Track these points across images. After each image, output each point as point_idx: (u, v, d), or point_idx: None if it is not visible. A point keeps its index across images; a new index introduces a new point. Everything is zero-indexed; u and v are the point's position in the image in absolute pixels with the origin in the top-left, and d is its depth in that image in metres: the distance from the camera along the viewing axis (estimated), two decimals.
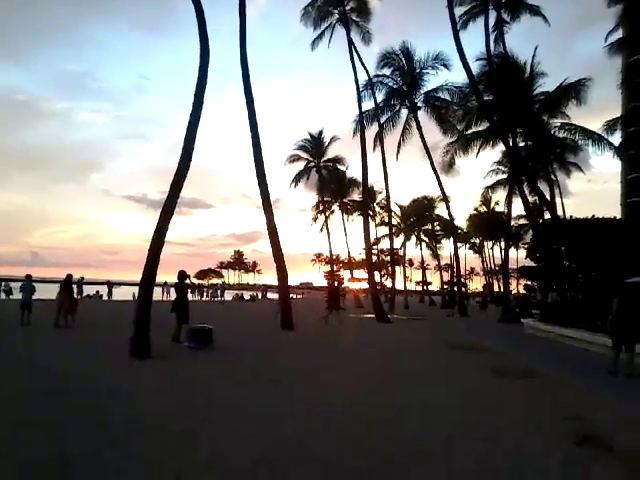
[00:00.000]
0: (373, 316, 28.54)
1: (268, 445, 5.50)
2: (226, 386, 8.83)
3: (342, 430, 6.22)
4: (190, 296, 50.59)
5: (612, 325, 11.70)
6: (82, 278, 42.74)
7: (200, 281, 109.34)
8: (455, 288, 43.45)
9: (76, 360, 11.03)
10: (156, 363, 10.95)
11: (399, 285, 69.67)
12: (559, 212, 34.70)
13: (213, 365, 10.99)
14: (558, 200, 36.70)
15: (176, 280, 15.11)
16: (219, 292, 56.07)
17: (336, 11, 32.91)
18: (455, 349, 15.20)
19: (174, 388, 8.50)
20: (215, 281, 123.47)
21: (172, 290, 21.42)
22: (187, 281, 15.47)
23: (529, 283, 39.87)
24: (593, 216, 23.34)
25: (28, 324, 17.77)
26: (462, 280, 49.45)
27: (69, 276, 19.52)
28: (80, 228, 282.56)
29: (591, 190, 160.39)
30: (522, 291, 60.74)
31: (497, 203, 55.37)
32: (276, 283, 23.17)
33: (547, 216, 31.70)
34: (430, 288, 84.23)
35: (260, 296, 68.51)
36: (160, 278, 38.92)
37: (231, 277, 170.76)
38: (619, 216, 30.72)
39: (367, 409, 7.34)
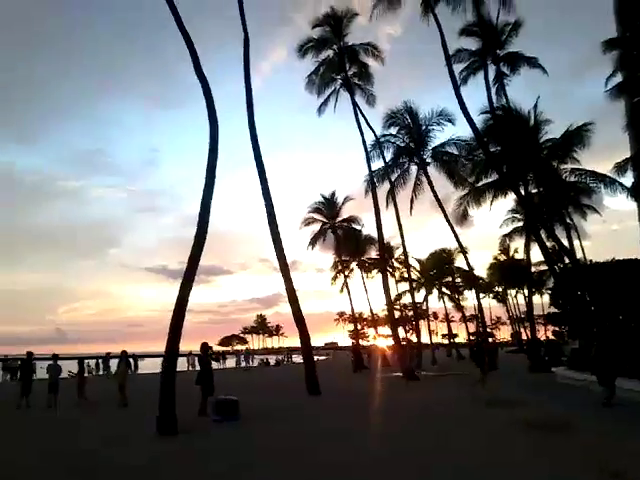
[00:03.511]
0: (401, 374, 28.16)
1: None
2: (251, 464, 8.70)
3: None
4: (215, 364, 50.70)
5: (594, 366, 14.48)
6: (109, 354, 43.06)
7: (224, 348, 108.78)
8: (480, 339, 42.74)
9: (104, 440, 11.02)
10: (181, 440, 10.89)
11: (425, 339, 68.91)
12: (579, 255, 34.47)
13: (238, 441, 10.81)
14: (577, 243, 36.54)
15: (199, 352, 15.20)
16: (242, 358, 55.78)
17: (339, 77, 33.99)
18: (487, 405, 14.90)
19: (198, 468, 8.43)
20: (239, 347, 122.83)
21: (197, 360, 21.54)
22: (210, 352, 15.53)
23: (557, 329, 39.25)
24: (613, 259, 23.18)
25: (53, 405, 17.73)
26: (488, 330, 48.79)
27: (124, 352, 19.59)
28: (102, 303, 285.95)
29: (608, 230, 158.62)
30: (551, 337, 59.67)
31: (516, 250, 55.09)
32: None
33: (567, 260, 31.46)
34: (457, 340, 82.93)
35: (285, 360, 67.95)
36: (184, 347, 38.99)
37: (255, 342, 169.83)
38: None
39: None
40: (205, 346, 15.01)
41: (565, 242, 31.56)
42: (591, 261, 25.22)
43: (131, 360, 23.75)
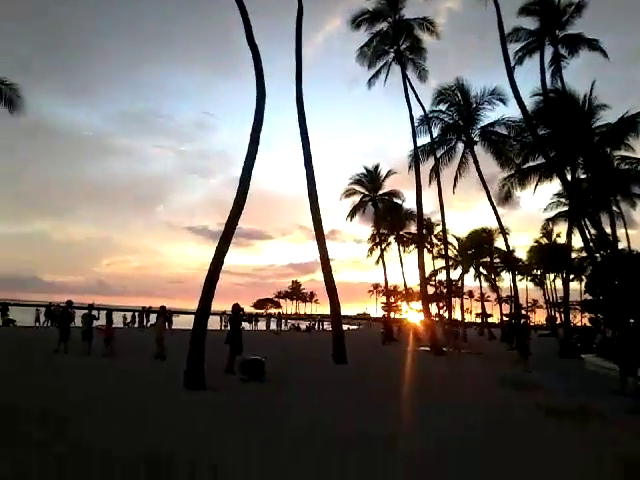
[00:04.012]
0: (429, 349, 28.54)
1: None
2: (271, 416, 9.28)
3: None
4: (247, 326, 51.73)
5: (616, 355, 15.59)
6: (144, 307, 44.62)
7: (258, 310, 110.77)
8: (513, 321, 42.59)
9: (133, 393, 11.54)
10: (207, 395, 11.38)
11: (457, 317, 68.85)
12: (624, 244, 33.86)
13: (262, 399, 11.29)
14: (622, 232, 35.87)
15: (231, 313, 15.74)
16: (274, 322, 56.90)
17: (392, 50, 33.67)
18: (506, 387, 15.11)
19: (221, 421, 8.96)
20: (272, 310, 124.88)
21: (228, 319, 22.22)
22: (241, 314, 16.03)
23: (593, 317, 38.83)
24: None
25: (88, 353, 18.59)
26: (523, 312, 48.47)
27: (163, 307, 20.44)
28: (144, 258, 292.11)
29: None
30: (587, 324, 58.90)
31: (559, 235, 54.19)
32: None
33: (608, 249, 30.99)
34: (490, 320, 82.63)
35: (316, 326, 68.97)
36: (219, 307, 39.84)
37: (288, 307, 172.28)
38: None
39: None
40: (236, 307, 15.54)
41: (609, 230, 31.09)
42: (632, 250, 24.78)
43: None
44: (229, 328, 16.01)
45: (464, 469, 6.51)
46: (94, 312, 20.35)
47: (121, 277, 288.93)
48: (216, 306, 13.82)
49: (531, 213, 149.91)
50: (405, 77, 31.95)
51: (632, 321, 24.26)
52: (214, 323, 44.22)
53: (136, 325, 42.97)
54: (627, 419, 10.72)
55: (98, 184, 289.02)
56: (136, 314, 44.55)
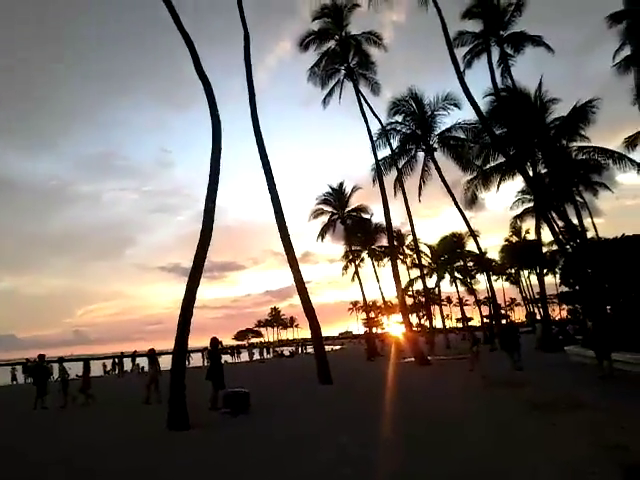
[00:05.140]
0: (413, 359, 28.29)
1: None
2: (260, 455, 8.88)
3: None
4: (230, 358, 51.00)
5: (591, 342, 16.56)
6: (135, 352, 43.91)
7: (239, 342, 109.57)
8: (494, 322, 42.74)
9: (117, 436, 11.25)
10: (192, 435, 11.02)
11: (438, 325, 68.93)
12: (591, 233, 34.35)
13: (246, 433, 10.91)
14: (589, 221, 36.38)
15: (208, 347, 15.37)
16: (256, 351, 56.13)
17: (342, 67, 33.89)
18: (496, 386, 15.00)
19: (208, 462, 8.57)
20: (254, 340, 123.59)
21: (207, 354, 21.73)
22: (220, 347, 15.64)
23: (572, 308, 39.05)
24: (623, 235, 23.04)
25: (63, 406, 18.27)
26: (502, 312, 48.67)
27: (152, 350, 19.61)
28: (119, 303, 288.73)
29: (622, 206, 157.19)
30: (567, 316, 59.37)
31: (527, 231, 54.80)
32: None
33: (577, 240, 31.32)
34: (472, 324, 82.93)
35: (300, 351, 68.32)
36: (200, 343, 39.15)
37: (270, 334, 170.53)
38: None
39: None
40: (214, 340, 15.16)
41: (575, 221, 31.46)
42: (599, 238, 25.04)
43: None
44: (209, 363, 15.57)
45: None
46: (65, 364, 20.01)
47: (98, 325, 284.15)
48: (197, 342, 13.46)
49: (498, 213, 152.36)
50: (358, 92, 32.12)
51: (609, 307, 24.45)
52: (197, 360, 43.77)
53: (116, 372, 42.05)
54: (609, 406, 10.65)
55: (65, 234, 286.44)
56: (116, 360, 43.60)
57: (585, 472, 6.03)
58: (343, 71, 34.13)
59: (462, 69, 28.19)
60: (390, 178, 37.52)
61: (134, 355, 44.12)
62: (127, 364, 42.82)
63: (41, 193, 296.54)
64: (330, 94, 35.27)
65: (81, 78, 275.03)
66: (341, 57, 33.42)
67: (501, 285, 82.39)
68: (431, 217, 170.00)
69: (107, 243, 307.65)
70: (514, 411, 10.83)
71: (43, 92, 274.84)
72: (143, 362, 40.74)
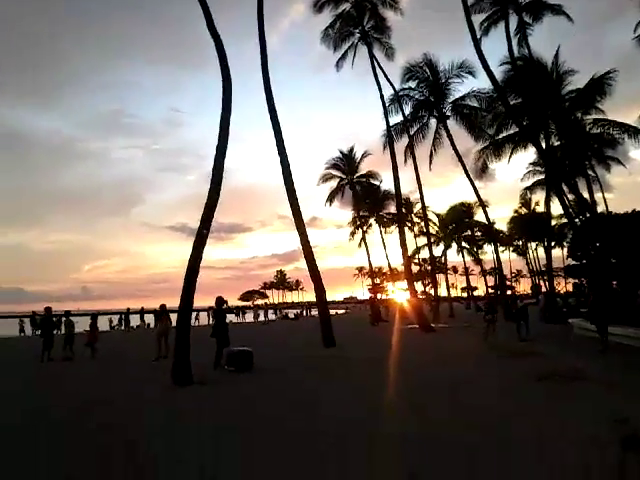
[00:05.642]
0: (417, 326, 28.52)
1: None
2: (261, 409, 9.13)
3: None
4: (235, 318, 51.53)
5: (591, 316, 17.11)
6: (142, 308, 44.48)
7: (245, 303, 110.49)
8: (499, 292, 42.87)
9: (123, 389, 11.54)
10: (196, 390, 11.28)
11: (443, 293, 69.30)
12: (601, 207, 34.10)
13: (249, 390, 11.19)
14: (600, 196, 36.12)
15: (214, 306, 15.60)
16: (261, 313, 56.58)
17: (357, 31, 33.38)
18: (499, 355, 15.16)
19: (210, 415, 8.81)
20: (259, 302, 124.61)
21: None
22: (225, 306, 15.83)
23: (577, 281, 39.16)
24: (634, 210, 22.95)
25: (70, 359, 18.64)
26: (508, 283, 48.84)
27: (163, 306, 19.65)
28: (126, 260, 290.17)
29: (635, 182, 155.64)
30: (573, 290, 59.47)
31: (537, 204, 54.64)
32: None
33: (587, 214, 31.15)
34: (476, 293, 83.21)
35: (305, 313, 69.01)
36: (206, 303, 39.57)
37: (275, 297, 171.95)
38: None
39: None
40: (220, 299, 15.33)
41: (586, 194, 31.26)
42: (610, 212, 24.90)
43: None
44: (214, 322, 15.82)
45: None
46: (72, 318, 20.48)
47: (104, 281, 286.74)
48: (203, 302, 13.69)
49: (509, 184, 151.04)
50: (372, 57, 31.67)
51: (615, 283, 24.50)
52: (203, 319, 44.33)
53: (122, 328, 42.66)
54: (609, 379, 10.80)
55: (73, 190, 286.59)
56: (123, 317, 44.13)
57: (585, 441, 6.16)
58: (357, 34, 33.63)
59: (479, 36, 27.61)
60: (401, 145, 37.32)
61: (142, 312, 44.65)
62: (133, 320, 43.42)
63: (50, 149, 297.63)
64: (343, 58, 34.82)
65: (94, 36, 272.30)
66: (356, 20, 32.85)
67: (508, 256, 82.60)
68: (440, 186, 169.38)
69: (115, 201, 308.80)
70: (516, 380, 10.98)
71: (54, 49, 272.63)
72: (150, 319, 41.42)
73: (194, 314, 44.49)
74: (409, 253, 39.10)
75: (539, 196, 45.43)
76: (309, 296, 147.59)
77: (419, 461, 5.71)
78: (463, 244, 64.69)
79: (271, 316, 59.35)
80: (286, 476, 5.45)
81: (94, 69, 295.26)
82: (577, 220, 29.59)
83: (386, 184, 49.77)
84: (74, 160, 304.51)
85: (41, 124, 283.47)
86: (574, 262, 28.60)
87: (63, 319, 20.51)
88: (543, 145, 30.16)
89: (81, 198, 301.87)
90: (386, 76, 32.94)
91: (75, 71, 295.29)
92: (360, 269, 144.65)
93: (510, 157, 34.12)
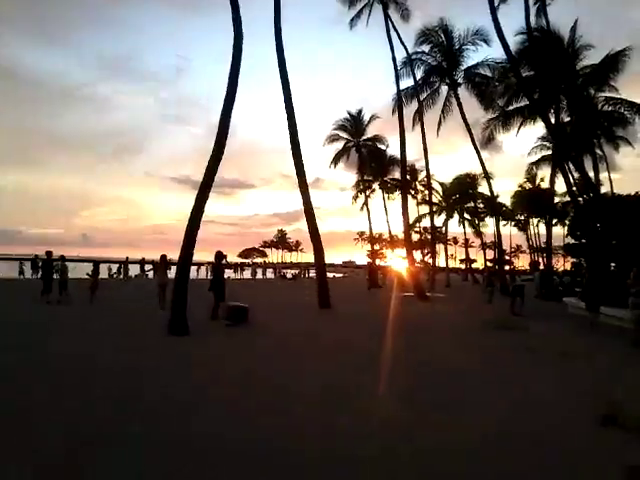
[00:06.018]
0: (413, 294, 28.73)
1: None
2: (252, 360, 9.38)
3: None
4: (233, 275, 51.76)
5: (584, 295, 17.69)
6: (143, 258, 44.61)
7: (244, 260, 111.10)
8: (497, 267, 42.95)
9: (121, 339, 11.68)
10: (190, 340, 11.54)
11: (442, 263, 69.48)
12: (607, 188, 33.90)
13: (244, 341, 11.56)
14: (606, 175, 35.88)
15: (213, 260, 15.73)
16: (260, 271, 56.85)
17: None
18: (486, 328, 15.32)
19: (202, 362, 9.10)
20: (258, 260, 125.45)
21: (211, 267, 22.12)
22: (224, 261, 15.94)
23: (576, 260, 39.23)
24: (637, 192, 22.85)
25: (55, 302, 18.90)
26: (507, 258, 48.91)
27: (164, 256, 19.62)
28: (127, 209, 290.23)
29: None
30: (571, 268, 59.57)
31: (542, 179, 54.03)
32: None
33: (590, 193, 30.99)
34: (474, 266, 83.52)
35: (303, 274, 69.37)
36: (205, 258, 39.57)
37: (274, 256, 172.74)
38: None
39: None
40: (219, 253, 15.45)
41: (592, 174, 31.03)
42: (614, 193, 24.77)
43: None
44: (212, 276, 15.99)
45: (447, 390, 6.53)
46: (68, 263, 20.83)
47: (103, 229, 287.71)
48: (204, 256, 13.83)
49: (515, 158, 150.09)
50: (387, 17, 31.07)
51: (613, 265, 24.51)
52: (201, 273, 44.67)
53: (121, 276, 42.93)
54: (596, 355, 11.08)
55: (75, 134, 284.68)
56: (122, 266, 44.33)
57: (562, 415, 6.28)
58: None
59: (496, 3, 26.98)
60: (410, 110, 36.86)
61: (143, 262, 44.84)
62: (132, 270, 43.66)
63: (53, 90, 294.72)
64: (358, 16, 34.14)
65: None
66: None
67: (509, 231, 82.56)
68: (446, 154, 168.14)
69: (118, 147, 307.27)
70: (500, 350, 11.22)
71: None
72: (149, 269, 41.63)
73: (195, 267, 44.91)
74: (410, 221, 39.09)
75: (545, 172, 45.13)
76: (308, 257, 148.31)
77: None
78: (465, 215, 64.49)
79: (269, 275, 59.72)
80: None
81: (101, 11, 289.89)
82: (580, 199, 29.45)
83: (392, 149, 49.34)
84: (78, 103, 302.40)
85: (44, 63, 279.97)
86: (573, 241, 28.58)
87: (59, 264, 20.63)
88: (552, 120, 29.83)
89: (83, 142, 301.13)
90: (400, 38, 32.44)
91: (82, 12, 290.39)
92: (361, 234, 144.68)
93: (519, 130, 33.80)
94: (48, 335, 11.92)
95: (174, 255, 13.96)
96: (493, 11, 24.73)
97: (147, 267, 39.91)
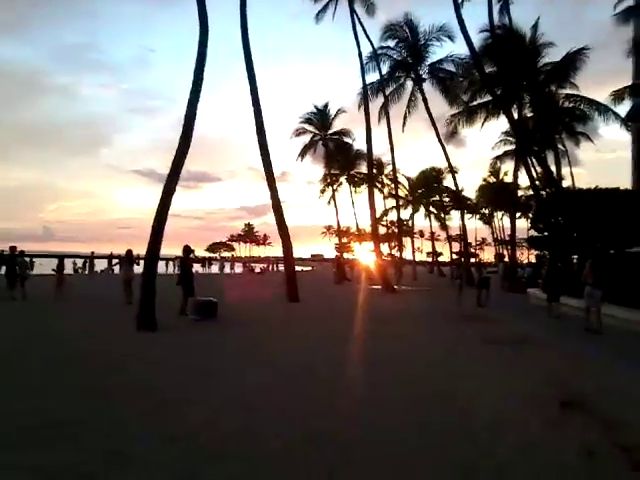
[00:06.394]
0: (380, 287, 29.03)
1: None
2: (220, 356, 9.42)
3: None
4: (200, 269, 51.28)
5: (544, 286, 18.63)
6: (111, 253, 43.68)
7: (211, 254, 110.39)
8: (462, 259, 43.67)
9: (89, 333, 11.55)
10: (159, 336, 11.50)
11: (408, 256, 70.20)
12: (569, 182, 34.77)
13: (213, 336, 11.57)
14: (568, 170, 36.77)
15: (181, 255, 15.65)
16: (227, 265, 56.59)
17: None
18: (451, 319, 15.66)
19: (172, 358, 9.08)
20: (225, 254, 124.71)
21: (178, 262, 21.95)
22: (192, 255, 15.88)
23: (539, 253, 40.10)
24: (596, 187, 23.45)
25: (20, 298, 18.62)
26: (472, 251, 49.67)
27: (129, 251, 19.40)
28: (90, 203, 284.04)
29: (602, 159, 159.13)
30: (533, 261, 60.90)
31: (506, 174, 54.97)
32: None
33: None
34: (441, 259, 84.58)
35: (271, 268, 69.30)
36: (172, 252, 39.31)
37: (242, 250, 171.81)
38: (629, 186, 30.46)
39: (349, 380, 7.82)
40: (187, 248, 15.40)
41: (554, 168, 31.77)
42: (574, 187, 25.44)
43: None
44: (180, 270, 15.90)
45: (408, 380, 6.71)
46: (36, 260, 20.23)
47: (67, 223, 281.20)
48: (169, 251, 13.70)
49: (480, 153, 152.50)
50: (353, 11, 31.24)
51: (576, 256, 25.16)
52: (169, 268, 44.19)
53: (86, 272, 42.21)
54: (554, 343, 11.59)
55: (37, 126, 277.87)
56: (87, 261, 43.53)
57: (526, 401, 6.51)
58: None
59: (460, 1, 27.38)
60: (376, 105, 37.16)
61: (110, 256, 44.02)
62: (98, 264, 42.91)
63: (14, 80, 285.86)
64: (324, 10, 34.33)
65: None
66: None
67: (474, 224, 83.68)
68: (412, 148, 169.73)
69: (81, 140, 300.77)
70: (466, 341, 11.47)
71: None
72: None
73: (164, 262, 44.30)
74: (377, 214, 39.42)
75: (508, 166, 45.96)
76: (276, 251, 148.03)
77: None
78: (431, 209, 65.33)
79: (237, 269, 59.52)
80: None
81: None
82: (543, 193, 30.11)
83: (359, 143, 49.61)
84: (40, 94, 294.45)
85: (4, 52, 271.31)
86: (536, 234, 29.19)
87: (17, 259, 20.15)
88: (515, 115, 30.48)
89: (45, 134, 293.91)
90: (365, 33, 32.67)
91: None
92: (328, 227, 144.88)
93: (482, 125, 34.43)
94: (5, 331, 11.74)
95: (141, 249, 13.83)
96: (457, 8, 25.10)
97: (114, 262, 39.39)
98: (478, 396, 6.72)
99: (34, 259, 24.47)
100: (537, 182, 30.31)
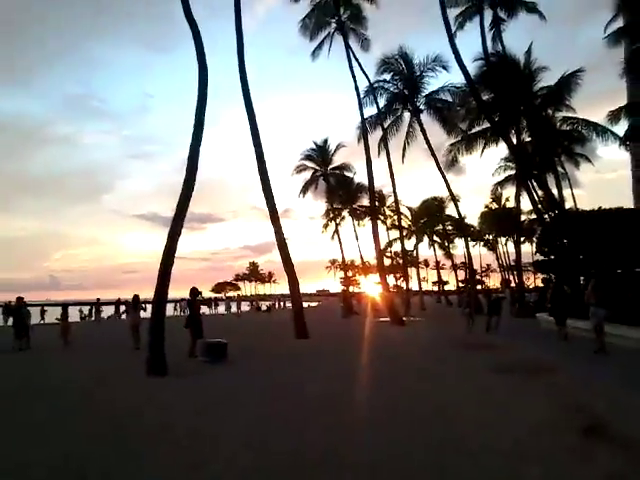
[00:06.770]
0: (388, 319, 28.76)
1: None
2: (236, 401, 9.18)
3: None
4: (207, 310, 51.07)
5: (550, 310, 18.48)
6: (98, 299, 43.56)
7: (217, 294, 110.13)
8: (469, 286, 43.33)
9: (99, 381, 11.40)
10: (170, 381, 11.28)
11: (414, 287, 69.86)
12: (570, 204, 34.72)
13: (225, 379, 11.32)
14: (569, 192, 36.76)
15: (188, 297, 15.55)
16: (234, 304, 56.19)
17: (333, 21, 33.36)
18: (465, 349, 15.42)
19: (184, 404, 8.84)
20: (231, 293, 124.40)
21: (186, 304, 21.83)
22: (199, 297, 15.80)
23: (546, 277, 39.85)
24: (599, 207, 23.40)
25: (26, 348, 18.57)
26: (479, 278, 49.34)
27: (136, 296, 19.30)
28: (95, 250, 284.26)
29: (602, 180, 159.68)
30: (540, 284, 60.51)
31: (507, 199, 54.96)
32: None
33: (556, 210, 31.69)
34: (447, 287, 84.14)
35: (278, 305, 68.99)
36: (178, 294, 39.20)
37: (247, 289, 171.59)
38: (631, 204, 30.47)
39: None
40: (194, 290, 15.32)
41: (555, 191, 31.78)
42: (577, 209, 25.41)
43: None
44: (188, 312, 15.80)
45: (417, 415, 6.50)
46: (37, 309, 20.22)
47: (73, 271, 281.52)
48: (174, 293, 13.57)
49: (480, 180, 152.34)
50: (348, 47, 31.66)
51: (582, 278, 24.97)
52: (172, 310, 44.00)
53: (92, 318, 42.13)
54: (566, 367, 11.38)
55: (40, 175, 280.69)
56: (93, 307, 43.45)
57: (543, 430, 6.31)
58: (334, 24, 33.60)
59: (453, 30, 27.85)
60: (375, 137, 37.41)
61: (118, 302, 43.99)
62: (106, 311, 42.84)
63: (17, 132, 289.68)
64: (320, 47, 34.84)
65: (63, 15, 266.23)
66: (332, 10, 32.79)
67: (478, 251, 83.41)
68: (413, 178, 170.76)
69: (84, 187, 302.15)
70: (479, 370, 11.22)
71: (22, 29, 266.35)
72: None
73: (172, 304, 44.08)
74: (381, 246, 39.30)
75: (510, 191, 45.99)
76: (281, 288, 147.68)
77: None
78: (435, 238, 65.30)
79: (244, 308, 59.17)
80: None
81: (63, 50, 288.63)
82: (546, 216, 30.08)
83: (360, 176, 49.75)
84: (42, 144, 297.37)
85: (7, 106, 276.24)
86: (542, 257, 29.06)
87: (23, 310, 20.08)
88: (514, 141, 30.62)
89: (48, 184, 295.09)
90: (361, 67, 33.00)
91: (43, 52, 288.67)
92: (333, 262, 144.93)
93: (482, 152, 34.55)
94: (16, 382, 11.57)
95: (147, 293, 13.72)
96: (451, 38, 25.46)
97: (121, 308, 39.24)
98: (498, 430, 6.52)
99: (45, 307, 24.41)
100: (539, 206, 30.29)
